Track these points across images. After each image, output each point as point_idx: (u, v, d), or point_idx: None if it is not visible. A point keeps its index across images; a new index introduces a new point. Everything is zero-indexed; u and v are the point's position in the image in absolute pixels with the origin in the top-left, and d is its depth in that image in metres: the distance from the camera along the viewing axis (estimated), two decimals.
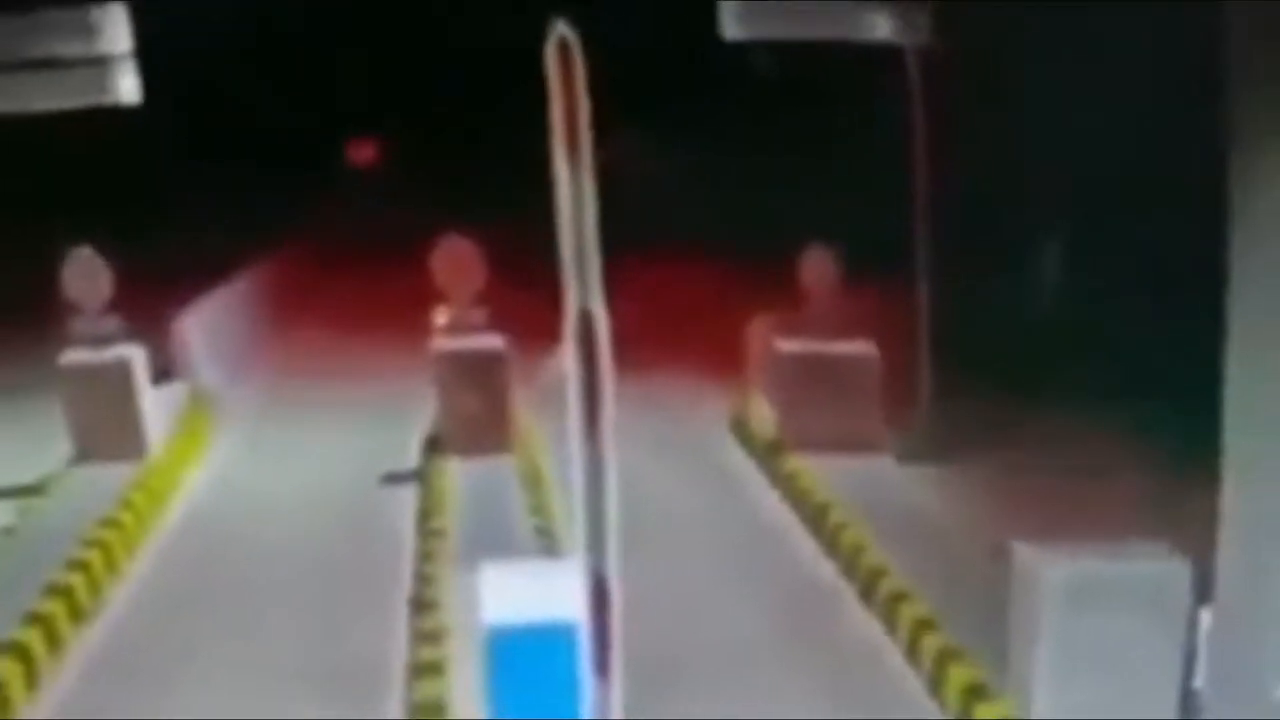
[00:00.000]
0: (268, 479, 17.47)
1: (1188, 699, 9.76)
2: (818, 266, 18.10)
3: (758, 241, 23.55)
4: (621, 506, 6.06)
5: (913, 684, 11.62)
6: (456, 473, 16.67)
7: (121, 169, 31.68)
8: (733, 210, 31.94)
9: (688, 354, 22.17)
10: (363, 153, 51.28)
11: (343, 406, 20.65)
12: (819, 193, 25.88)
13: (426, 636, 11.79)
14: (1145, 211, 19.87)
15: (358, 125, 49.61)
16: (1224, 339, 9.30)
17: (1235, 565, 9.30)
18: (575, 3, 7.38)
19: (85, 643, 12.47)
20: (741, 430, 19.01)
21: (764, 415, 18.63)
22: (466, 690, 9.69)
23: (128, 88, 15.24)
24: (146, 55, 15.37)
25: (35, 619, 12.08)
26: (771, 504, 16.40)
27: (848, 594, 13.52)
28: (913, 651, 11.88)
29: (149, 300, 19.13)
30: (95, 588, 13.30)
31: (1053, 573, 9.95)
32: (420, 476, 16.84)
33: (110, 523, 14.70)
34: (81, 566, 13.37)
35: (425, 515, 15.26)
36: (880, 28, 16.36)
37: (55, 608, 12.41)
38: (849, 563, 13.87)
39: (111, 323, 17.40)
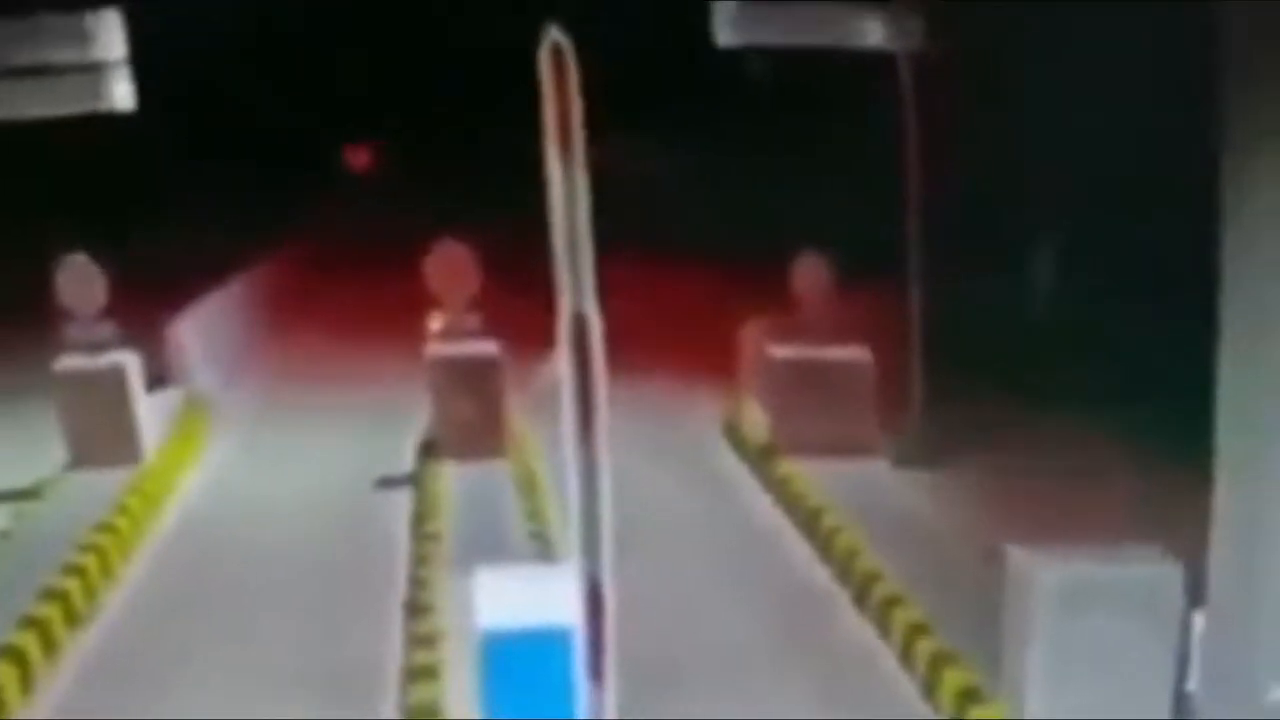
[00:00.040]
0: (263, 483, 17.46)
1: (1181, 701, 9.78)
2: (810, 272, 18.12)
3: (751, 245, 23.58)
4: (615, 511, 6.07)
5: (907, 687, 11.62)
6: (451, 477, 16.67)
7: (120, 170, 31.66)
8: (726, 214, 31.99)
9: (681, 358, 22.18)
10: (359, 158, 51.34)
11: (338, 411, 20.65)
12: (813, 197, 25.94)
13: (421, 640, 11.80)
14: (1140, 214, 19.90)
15: (356, 127, 49.65)
16: (1218, 342, 9.33)
17: (1228, 568, 9.32)
18: (573, 7, 7.41)
19: (80, 647, 12.46)
20: (734, 435, 19.02)
21: (756, 420, 18.64)
22: (461, 694, 9.70)
23: (122, 94, 15.25)
24: (147, 56, 15.39)
25: (30, 623, 12.08)
26: (764, 508, 16.40)
27: (842, 598, 13.53)
28: (907, 655, 11.88)
29: (144, 306, 19.13)
30: (90, 592, 13.30)
31: (1046, 576, 9.97)
32: (415, 481, 16.84)
33: (105, 527, 14.70)
34: (77, 571, 13.37)
35: (420, 519, 15.26)
36: (873, 34, 16.35)
37: (51, 612, 12.40)
38: (843, 567, 13.87)
39: (106, 329, 17.39)
